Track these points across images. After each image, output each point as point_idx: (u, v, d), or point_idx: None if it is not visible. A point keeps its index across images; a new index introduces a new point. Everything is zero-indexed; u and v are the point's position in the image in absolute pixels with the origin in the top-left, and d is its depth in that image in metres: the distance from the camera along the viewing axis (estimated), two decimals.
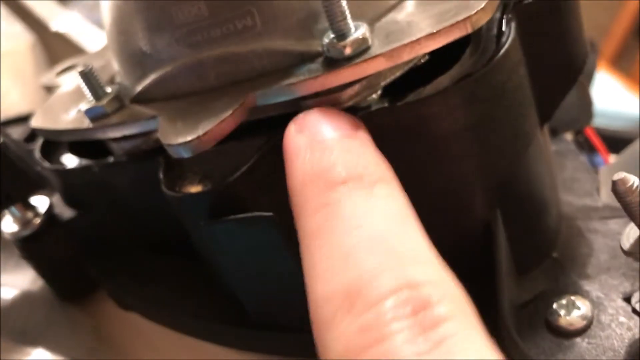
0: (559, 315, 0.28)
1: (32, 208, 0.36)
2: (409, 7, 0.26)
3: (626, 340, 0.27)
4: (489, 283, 0.27)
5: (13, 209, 0.36)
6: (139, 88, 0.29)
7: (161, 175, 0.28)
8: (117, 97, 0.30)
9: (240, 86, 0.26)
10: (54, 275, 0.39)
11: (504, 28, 0.27)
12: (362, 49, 0.24)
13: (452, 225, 0.28)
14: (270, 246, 0.26)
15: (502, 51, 0.26)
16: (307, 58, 0.25)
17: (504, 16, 0.27)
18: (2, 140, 0.34)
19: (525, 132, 0.28)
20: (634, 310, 0.27)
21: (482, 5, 0.23)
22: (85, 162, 0.34)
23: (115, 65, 0.32)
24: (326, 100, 0.25)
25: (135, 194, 0.33)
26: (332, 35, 0.24)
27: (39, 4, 0.71)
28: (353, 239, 0.19)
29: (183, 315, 0.34)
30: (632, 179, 0.24)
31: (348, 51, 0.24)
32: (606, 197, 0.34)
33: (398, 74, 0.26)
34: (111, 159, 0.32)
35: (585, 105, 0.40)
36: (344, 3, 0.24)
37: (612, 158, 0.47)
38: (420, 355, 0.16)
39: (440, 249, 0.20)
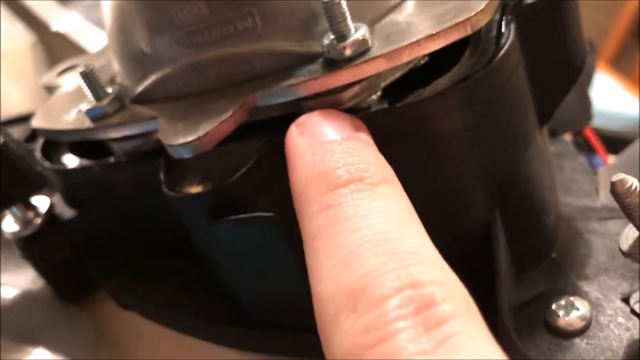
0: (558, 316, 0.28)
1: (32, 208, 0.37)
2: (408, 8, 0.26)
3: (625, 341, 0.27)
4: (488, 283, 0.27)
5: (14, 209, 0.36)
6: (140, 89, 0.29)
7: (162, 176, 0.28)
8: (118, 98, 0.30)
9: (241, 87, 0.26)
10: (55, 275, 0.39)
11: (503, 29, 0.27)
12: (362, 50, 0.24)
13: (451, 226, 0.28)
14: (270, 246, 0.26)
15: (502, 52, 0.26)
16: (307, 59, 0.26)
17: (504, 17, 0.27)
18: (2, 140, 0.34)
19: (524, 133, 0.28)
20: (633, 311, 0.27)
21: (482, 7, 0.23)
22: (85, 162, 0.34)
23: (116, 66, 0.32)
24: (326, 101, 0.25)
25: (135, 195, 0.33)
26: (332, 37, 0.25)
27: (40, 4, 0.71)
28: (356, 239, 0.19)
29: (183, 315, 0.34)
30: (631, 181, 0.24)
31: (348, 52, 0.24)
32: (605, 198, 0.34)
33: (398, 75, 0.26)
34: (112, 160, 0.32)
35: (585, 106, 0.40)
36: (344, 4, 0.24)
37: (611, 159, 0.47)
38: (424, 354, 0.16)
39: (439, 249, 0.20)
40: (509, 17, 0.27)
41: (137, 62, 0.29)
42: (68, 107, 0.33)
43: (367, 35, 0.24)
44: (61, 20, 0.69)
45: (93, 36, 0.66)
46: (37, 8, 0.70)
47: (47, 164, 0.35)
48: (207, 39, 0.26)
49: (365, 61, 0.24)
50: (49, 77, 0.39)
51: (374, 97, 0.26)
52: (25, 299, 0.41)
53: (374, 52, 0.24)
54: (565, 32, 0.29)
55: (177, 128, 0.25)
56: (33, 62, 0.67)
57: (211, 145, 0.24)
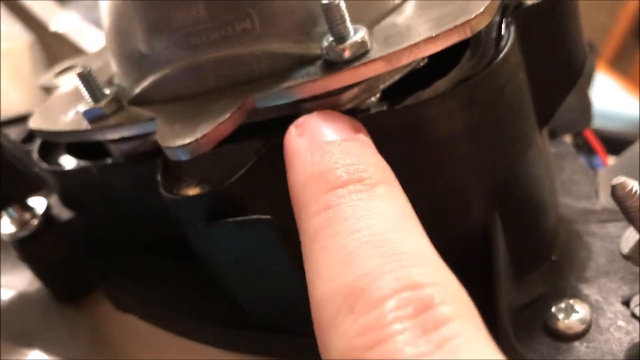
0: (558, 319, 0.28)
1: (29, 209, 0.36)
2: (408, 10, 0.26)
3: (625, 344, 0.26)
4: (487, 285, 0.27)
5: (10, 210, 0.36)
6: (138, 90, 0.29)
7: (159, 178, 0.28)
8: (116, 99, 0.30)
9: (239, 89, 0.26)
10: (52, 277, 0.38)
11: (503, 32, 0.27)
12: (361, 52, 0.24)
13: (450, 228, 0.28)
14: (268, 248, 0.26)
15: (502, 55, 0.26)
16: (306, 61, 0.25)
17: (504, 19, 0.27)
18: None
19: (524, 135, 0.28)
20: (633, 314, 0.27)
21: (482, 9, 0.23)
22: (83, 163, 0.34)
23: (114, 67, 0.31)
24: (325, 103, 0.25)
25: (133, 196, 0.33)
26: (331, 39, 0.24)
27: (38, 4, 0.70)
28: (355, 240, 0.19)
29: (180, 317, 0.34)
30: (632, 184, 0.24)
31: (347, 54, 0.24)
32: (605, 200, 0.34)
33: (397, 77, 0.26)
34: (109, 161, 0.32)
35: (585, 107, 0.40)
36: (343, 6, 0.24)
37: (611, 160, 0.47)
38: (422, 357, 0.16)
39: (438, 251, 0.20)
40: (509, 19, 0.27)
41: (135, 63, 0.29)
42: (66, 108, 0.33)
43: (366, 38, 0.24)
44: (60, 21, 0.69)
45: (92, 36, 0.66)
46: (35, 8, 0.70)
47: (44, 165, 0.35)
48: (205, 41, 0.26)
49: (365, 63, 0.24)
50: (47, 78, 0.39)
51: (373, 99, 0.26)
52: (22, 301, 0.40)
53: (373, 54, 0.24)
54: (566, 34, 0.29)
55: (174, 130, 0.25)
56: (31, 62, 0.67)
57: (209, 147, 0.24)
